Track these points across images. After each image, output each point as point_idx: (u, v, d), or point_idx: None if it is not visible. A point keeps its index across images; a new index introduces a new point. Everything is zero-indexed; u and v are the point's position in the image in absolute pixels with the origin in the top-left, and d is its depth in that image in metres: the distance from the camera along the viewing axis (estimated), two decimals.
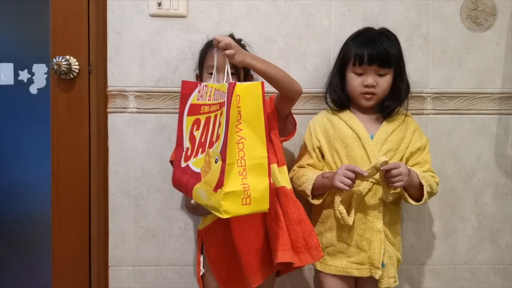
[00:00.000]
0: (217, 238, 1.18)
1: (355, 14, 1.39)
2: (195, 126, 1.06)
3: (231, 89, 0.93)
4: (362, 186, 1.19)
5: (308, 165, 1.28)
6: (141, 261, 1.41)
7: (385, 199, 1.18)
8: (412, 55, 1.39)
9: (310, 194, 1.21)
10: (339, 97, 1.28)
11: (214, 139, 0.98)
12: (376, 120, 1.27)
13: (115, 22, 1.37)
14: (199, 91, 1.08)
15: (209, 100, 1.04)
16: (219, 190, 0.91)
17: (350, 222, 1.17)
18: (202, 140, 1.03)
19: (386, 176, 1.13)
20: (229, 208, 0.90)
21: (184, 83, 1.13)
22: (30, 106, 1.43)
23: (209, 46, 1.22)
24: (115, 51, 1.37)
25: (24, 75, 1.43)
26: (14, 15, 1.44)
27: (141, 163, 1.39)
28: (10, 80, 1.42)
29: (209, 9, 1.38)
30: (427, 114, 1.41)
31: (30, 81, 1.43)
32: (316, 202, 1.23)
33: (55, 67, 1.31)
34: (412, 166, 1.24)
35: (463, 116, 1.42)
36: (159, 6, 1.36)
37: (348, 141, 1.23)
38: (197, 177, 1.01)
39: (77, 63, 1.34)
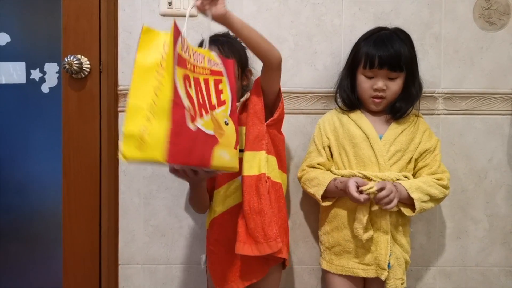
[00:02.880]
0: (213, 238, 1.21)
1: (366, 13, 1.38)
2: (187, 82, 0.94)
3: (230, 65, 1.08)
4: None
5: (319, 164, 1.27)
6: (151, 259, 1.42)
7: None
8: (423, 54, 1.38)
9: (320, 199, 1.21)
10: (349, 97, 1.27)
11: (214, 102, 1.01)
12: (386, 121, 1.26)
13: (126, 21, 1.38)
14: (181, 41, 0.94)
15: (189, 58, 0.96)
16: (237, 146, 1.03)
17: (372, 233, 1.17)
18: (201, 101, 0.97)
19: (376, 200, 1.12)
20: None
21: (176, 25, 0.92)
22: (42, 105, 1.45)
23: (203, 42, 1.19)
24: (126, 50, 1.38)
25: (36, 74, 1.44)
26: (26, 15, 1.45)
27: None
28: (22, 79, 1.44)
29: None
30: (439, 114, 1.40)
31: (42, 80, 1.44)
32: (327, 203, 1.22)
33: (67, 66, 1.32)
34: (421, 168, 1.23)
35: (475, 117, 1.40)
36: (170, 5, 1.36)
37: (356, 141, 1.22)
38: (213, 140, 0.96)
39: (88, 62, 1.35)
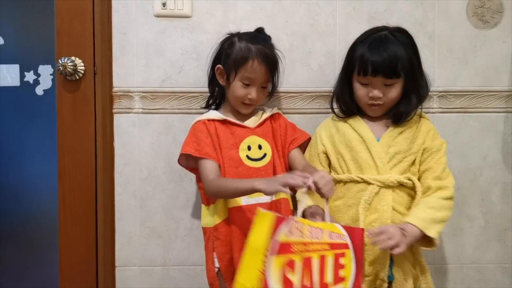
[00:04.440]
0: (225, 236, 1.19)
1: (361, 13, 1.38)
2: (288, 268, 0.98)
3: (358, 235, 1.02)
4: (370, 189, 1.14)
5: None
6: (148, 261, 1.41)
7: None
8: None
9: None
10: (346, 105, 1.23)
11: (327, 280, 0.98)
12: (385, 125, 1.20)
13: (120, 22, 1.37)
14: (288, 225, 1.00)
15: (301, 237, 1.00)
16: None
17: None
18: (307, 284, 0.97)
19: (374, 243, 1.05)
20: None
21: (277, 216, 1.01)
22: (36, 107, 1.44)
23: (251, 53, 1.18)
24: (120, 52, 1.38)
25: (30, 77, 1.43)
26: (20, 17, 1.44)
27: (147, 163, 1.40)
28: (16, 82, 1.43)
29: (214, 9, 1.38)
30: (433, 112, 1.40)
31: (36, 82, 1.44)
32: None
33: (61, 68, 1.32)
34: (424, 171, 1.17)
35: (470, 115, 1.41)
36: (164, 6, 1.36)
37: (352, 144, 1.18)
38: None
39: (82, 64, 1.35)
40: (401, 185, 1.14)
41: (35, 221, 1.47)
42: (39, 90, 1.44)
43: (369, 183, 1.14)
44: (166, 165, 1.39)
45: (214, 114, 1.24)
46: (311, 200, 1.18)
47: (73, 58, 1.34)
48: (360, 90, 1.18)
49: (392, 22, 1.34)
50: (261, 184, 1.05)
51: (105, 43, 1.37)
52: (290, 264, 0.98)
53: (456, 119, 1.41)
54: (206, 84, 1.31)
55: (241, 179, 1.15)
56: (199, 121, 1.23)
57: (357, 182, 1.16)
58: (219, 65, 1.23)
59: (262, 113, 1.28)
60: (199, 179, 1.24)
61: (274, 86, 1.29)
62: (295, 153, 1.26)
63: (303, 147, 1.30)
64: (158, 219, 1.41)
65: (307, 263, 0.99)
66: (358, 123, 1.21)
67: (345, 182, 1.18)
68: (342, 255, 1.01)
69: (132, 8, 1.37)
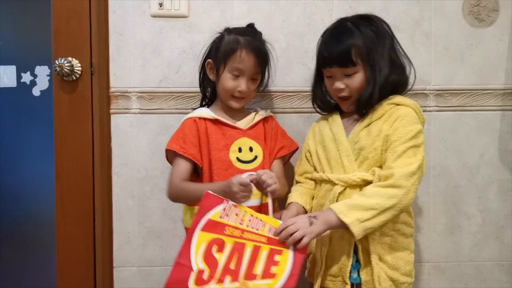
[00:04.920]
0: None
1: (357, 12, 1.37)
2: (215, 246, 1.00)
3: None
4: (334, 189, 1.08)
5: (305, 172, 1.22)
6: (146, 261, 1.41)
7: None
8: (414, 52, 1.38)
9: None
10: (321, 101, 1.21)
11: (256, 272, 0.99)
12: (355, 120, 1.14)
13: (116, 23, 1.37)
14: (224, 209, 1.02)
15: (240, 224, 1.02)
16: None
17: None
18: (232, 267, 0.98)
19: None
20: None
21: (208, 195, 1.03)
22: (33, 108, 1.44)
23: (239, 44, 1.17)
24: (117, 52, 1.38)
25: (26, 77, 1.43)
26: (16, 18, 1.44)
27: (144, 163, 1.40)
28: (13, 83, 1.43)
29: (210, 9, 1.38)
30: (430, 111, 1.40)
31: (33, 83, 1.44)
32: None
33: (58, 69, 1.32)
34: (383, 164, 1.07)
35: (466, 113, 1.41)
36: (161, 6, 1.36)
37: (326, 143, 1.15)
38: None
39: (79, 64, 1.35)
40: (369, 183, 1.05)
41: (33, 221, 1.47)
42: (36, 91, 1.44)
43: (334, 183, 1.09)
44: (164, 165, 1.38)
45: (205, 112, 1.22)
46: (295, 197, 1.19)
47: (70, 58, 1.34)
48: (327, 84, 1.16)
49: (388, 21, 1.33)
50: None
51: (102, 44, 1.37)
52: (220, 245, 1.00)
53: (453, 117, 1.41)
54: None
55: (200, 184, 1.17)
56: (189, 118, 1.22)
57: (327, 181, 1.12)
58: (209, 60, 1.23)
59: (255, 114, 1.26)
60: None
61: (265, 81, 1.26)
62: (276, 163, 1.25)
63: (286, 157, 1.29)
64: (156, 219, 1.41)
65: (239, 248, 1.00)
66: (335, 121, 1.17)
67: (321, 182, 1.15)
68: (279, 252, 1.00)
69: (129, 9, 1.37)
